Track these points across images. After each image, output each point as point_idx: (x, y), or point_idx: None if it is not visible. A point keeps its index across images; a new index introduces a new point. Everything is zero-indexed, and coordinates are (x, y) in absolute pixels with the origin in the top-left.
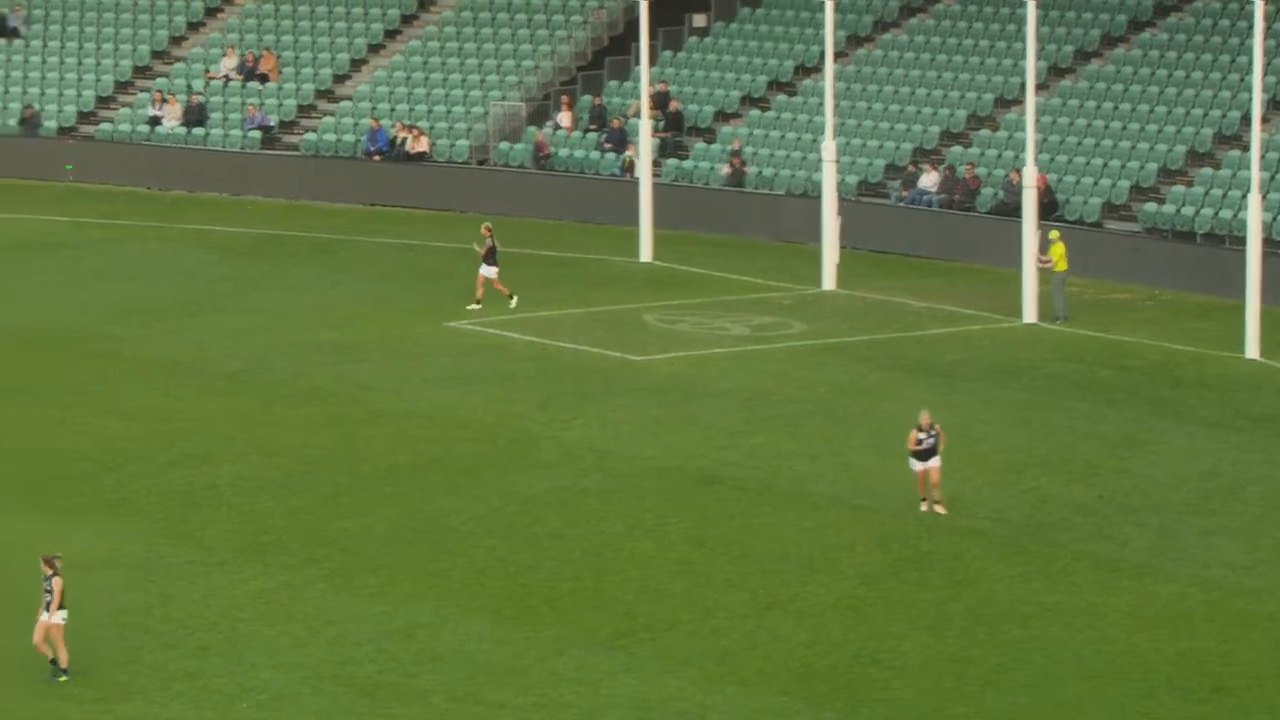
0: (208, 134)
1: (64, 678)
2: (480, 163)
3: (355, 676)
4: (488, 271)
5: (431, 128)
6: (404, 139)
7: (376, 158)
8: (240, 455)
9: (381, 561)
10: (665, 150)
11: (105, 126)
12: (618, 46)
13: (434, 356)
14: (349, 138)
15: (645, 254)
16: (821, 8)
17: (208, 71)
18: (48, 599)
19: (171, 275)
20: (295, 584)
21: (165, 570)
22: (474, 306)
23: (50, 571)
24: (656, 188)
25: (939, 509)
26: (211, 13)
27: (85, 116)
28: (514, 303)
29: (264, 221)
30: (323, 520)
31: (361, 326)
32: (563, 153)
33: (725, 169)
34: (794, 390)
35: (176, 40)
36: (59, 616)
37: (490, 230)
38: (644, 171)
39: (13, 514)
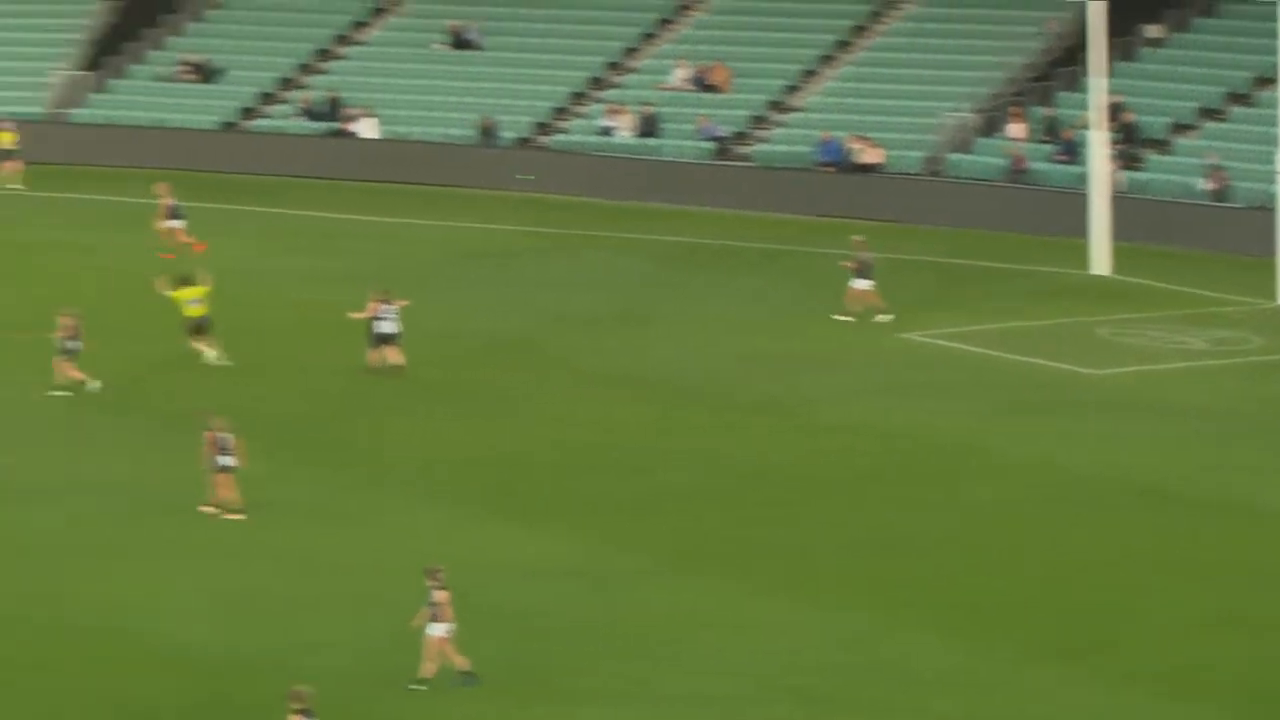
0: (660, 145)
1: (421, 687)
2: (932, 174)
3: (802, 686)
4: (860, 284)
5: (883, 139)
6: (856, 150)
7: (828, 169)
8: (684, 464)
9: (826, 572)
10: (1118, 162)
11: (559, 137)
12: (1069, 57)
13: (882, 367)
14: (801, 149)
15: (1098, 266)
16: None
17: (660, 83)
18: (433, 611)
19: (619, 285)
20: (740, 593)
21: (614, 578)
22: (883, 318)
23: (434, 584)
24: (1109, 199)
25: None
26: (664, 24)
27: (540, 127)
28: (848, 319)
29: (713, 231)
30: (766, 530)
31: (809, 337)
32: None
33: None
34: (1252, 406)
35: (630, 52)
36: (442, 629)
37: (864, 243)
38: (1097, 183)
39: (469, 520)
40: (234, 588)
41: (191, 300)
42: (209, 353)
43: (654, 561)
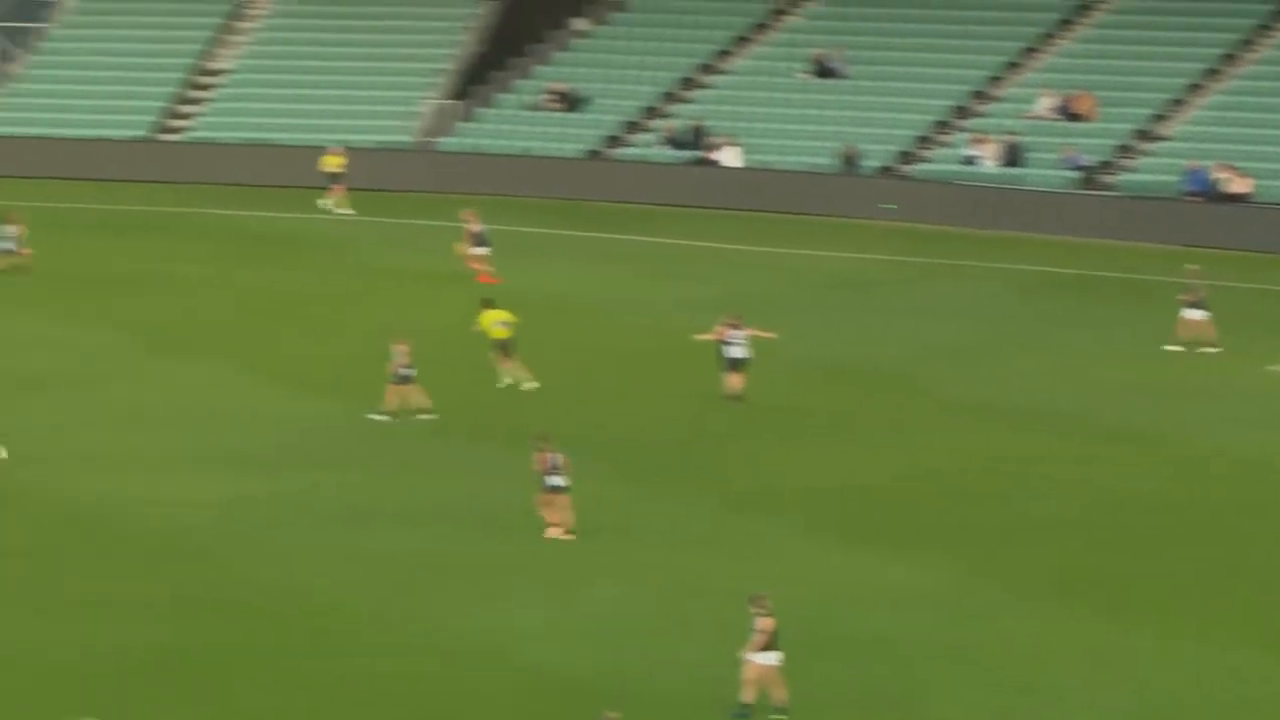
0: (1024, 174)
1: (783, 718)
2: None
3: None
4: (1193, 315)
5: (1251, 168)
6: (1223, 179)
7: (1195, 199)
8: (1048, 493)
9: (1193, 604)
10: None
11: (922, 166)
12: None
13: (1249, 399)
14: (1167, 178)
15: None
16: None
17: (1024, 112)
18: (759, 639)
19: (984, 314)
20: (1105, 624)
21: (978, 607)
22: (1209, 350)
23: (759, 611)
24: None
25: None
26: (1029, 53)
27: (903, 156)
28: (1178, 349)
29: (1078, 261)
30: (1133, 561)
31: (1173, 367)
32: None
33: None
34: None
35: (994, 80)
36: (773, 658)
37: (1198, 272)
38: None
39: (828, 547)
40: (583, 610)
41: (498, 323)
42: (519, 375)
43: (1017, 591)
